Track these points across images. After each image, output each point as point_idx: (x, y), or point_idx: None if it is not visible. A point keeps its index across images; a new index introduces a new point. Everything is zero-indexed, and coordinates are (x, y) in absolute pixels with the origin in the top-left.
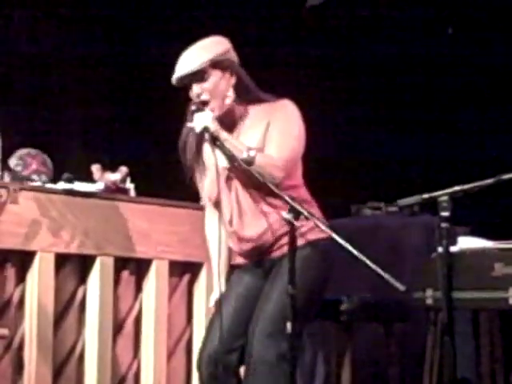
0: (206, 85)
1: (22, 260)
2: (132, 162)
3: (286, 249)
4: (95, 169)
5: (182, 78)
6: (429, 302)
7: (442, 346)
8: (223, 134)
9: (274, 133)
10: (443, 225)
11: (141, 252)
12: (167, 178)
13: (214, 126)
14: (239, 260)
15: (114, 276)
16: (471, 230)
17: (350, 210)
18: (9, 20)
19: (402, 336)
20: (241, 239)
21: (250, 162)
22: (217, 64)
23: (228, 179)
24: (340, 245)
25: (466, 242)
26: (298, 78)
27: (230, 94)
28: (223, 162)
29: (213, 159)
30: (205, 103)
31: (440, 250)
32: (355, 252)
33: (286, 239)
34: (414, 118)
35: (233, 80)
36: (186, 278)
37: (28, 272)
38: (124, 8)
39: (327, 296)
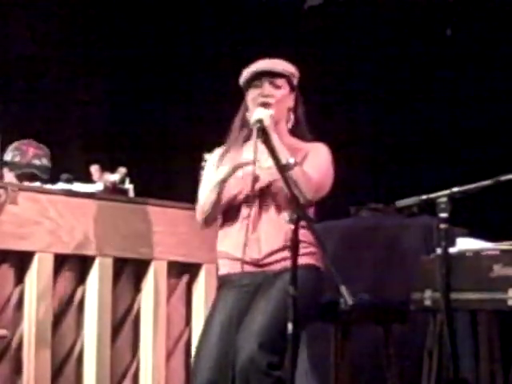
0: (277, 92)
1: (21, 260)
2: (131, 162)
3: (280, 265)
4: (94, 169)
5: (263, 73)
6: (427, 303)
7: (440, 346)
8: (274, 134)
9: (311, 159)
10: (442, 226)
11: (140, 253)
12: (166, 179)
13: (268, 122)
14: (229, 268)
15: (112, 277)
16: (470, 231)
17: (349, 211)
18: (9, 19)
19: (400, 336)
20: (248, 239)
21: (288, 168)
22: (291, 81)
23: (254, 181)
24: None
25: (465, 243)
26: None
27: (289, 115)
28: (261, 163)
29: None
30: (266, 105)
31: (439, 251)
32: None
33: (284, 254)
34: (413, 118)
35: (292, 104)
36: (185, 278)
37: (27, 272)
38: (123, 7)
39: (325, 297)
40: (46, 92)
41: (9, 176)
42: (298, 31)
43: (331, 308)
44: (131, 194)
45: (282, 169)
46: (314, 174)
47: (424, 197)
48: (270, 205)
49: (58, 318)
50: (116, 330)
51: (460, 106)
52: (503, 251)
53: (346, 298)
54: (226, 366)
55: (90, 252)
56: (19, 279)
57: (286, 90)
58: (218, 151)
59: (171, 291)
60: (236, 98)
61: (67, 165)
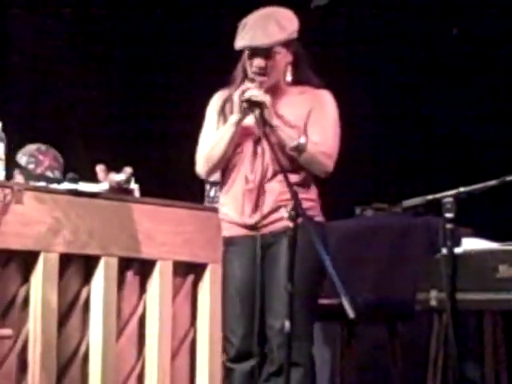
0: (270, 62)
1: (26, 260)
2: (136, 162)
3: (276, 226)
4: (99, 169)
5: (248, 47)
6: (433, 303)
7: (445, 346)
8: (275, 121)
9: (319, 121)
10: (447, 226)
11: (145, 252)
12: (171, 179)
13: (268, 113)
14: (234, 231)
15: (118, 276)
16: (475, 232)
17: (355, 210)
18: (13, 18)
19: (405, 337)
20: (251, 199)
21: (300, 149)
22: (286, 43)
23: (257, 141)
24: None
25: (471, 244)
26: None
27: (287, 76)
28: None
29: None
30: (261, 75)
31: (444, 251)
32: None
33: (280, 214)
34: (417, 119)
35: (290, 58)
36: (190, 278)
37: (32, 272)
38: (128, 6)
39: (330, 297)
40: (52, 91)
41: (18, 178)
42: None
43: (336, 308)
44: (137, 193)
45: (296, 152)
46: (326, 141)
47: (430, 197)
48: (273, 167)
49: (63, 318)
50: (121, 329)
51: (465, 105)
52: (509, 251)
53: (348, 311)
54: (254, 334)
55: (95, 252)
56: (24, 279)
57: (281, 52)
58: (220, 95)
59: (176, 291)
60: None
61: (73, 164)
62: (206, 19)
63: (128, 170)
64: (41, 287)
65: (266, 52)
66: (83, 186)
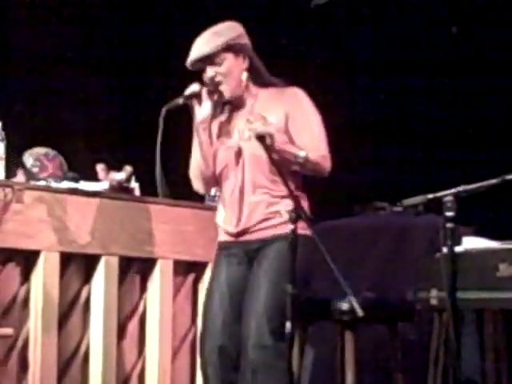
0: (220, 68)
1: (27, 259)
2: (137, 161)
3: (268, 233)
4: (100, 168)
5: (195, 62)
6: (433, 302)
7: (446, 346)
8: (278, 145)
9: (305, 124)
10: (448, 225)
11: (146, 251)
12: (172, 178)
13: (272, 141)
14: (222, 237)
15: (118, 275)
16: (476, 230)
17: (353, 209)
18: (15, 18)
19: (406, 336)
20: (234, 210)
21: (304, 163)
22: (230, 48)
23: (238, 154)
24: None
25: (471, 242)
26: (301, 76)
27: (244, 78)
28: (235, 139)
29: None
30: (217, 85)
31: (445, 250)
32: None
33: (271, 222)
34: (417, 117)
35: (245, 64)
36: (191, 277)
37: (33, 271)
38: (126, 8)
39: (329, 296)
40: (52, 90)
41: (20, 178)
42: (305, 30)
43: (335, 307)
44: (137, 192)
45: (300, 166)
46: (320, 144)
47: (430, 195)
48: (255, 176)
49: (63, 317)
50: (122, 328)
51: (465, 104)
52: (510, 250)
53: (357, 309)
54: (234, 332)
55: (95, 251)
56: (25, 278)
57: (229, 58)
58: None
59: (177, 290)
60: None
61: (73, 163)
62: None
63: (128, 168)
64: (41, 286)
65: (210, 60)
66: (84, 185)
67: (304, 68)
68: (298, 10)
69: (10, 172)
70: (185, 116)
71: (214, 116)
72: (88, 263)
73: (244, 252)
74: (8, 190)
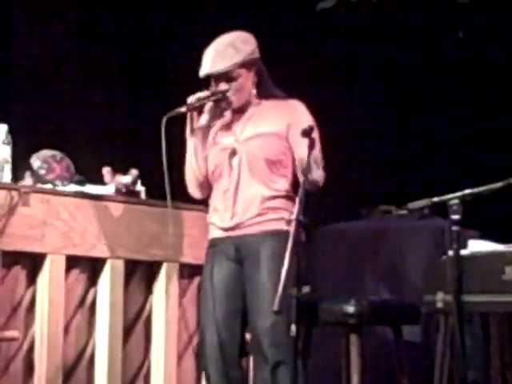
0: (234, 84)
1: (33, 262)
2: (142, 164)
3: (260, 228)
4: (106, 171)
5: (209, 75)
6: (439, 305)
7: (452, 349)
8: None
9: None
10: (453, 228)
11: (151, 255)
12: (177, 181)
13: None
14: (214, 233)
15: (124, 278)
16: (481, 234)
17: (360, 213)
18: (21, 20)
19: (412, 339)
20: (227, 208)
21: (310, 131)
22: (245, 64)
23: (232, 155)
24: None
25: (477, 246)
26: (308, 79)
27: (253, 91)
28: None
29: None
30: (228, 97)
31: (450, 253)
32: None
33: (265, 217)
34: (423, 122)
35: (256, 77)
36: (196, 280)
37: (39, 274)
38: (132, 11)
39: (335, 298)
40: (59, 93)
41: (28, 180)
42: (311, 33)
43: (342, 309)
44: (143, 195)
45: (306, 135)
46: (320, 161)
47: (435, 199)
48: (250, 176)
49: (69, 320)
50: (127, 331)
51: (470, 108)
52: None
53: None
54: (233, 329)
55: (101, 254)
56: (31, 281)
57: (242, 73)
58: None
59: (182, 293)
60: None
61: (79, 167)
62: (209, 22)
63: (134, 172)
64: (47, 289)
65: (226, 76)
66: (90, 188)
67: (310, 68)
68: (304, 14)
69: (18, 176)
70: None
71: (212, 122)
72: (94, 266)
73: (234, 247)
74: (14, 192)
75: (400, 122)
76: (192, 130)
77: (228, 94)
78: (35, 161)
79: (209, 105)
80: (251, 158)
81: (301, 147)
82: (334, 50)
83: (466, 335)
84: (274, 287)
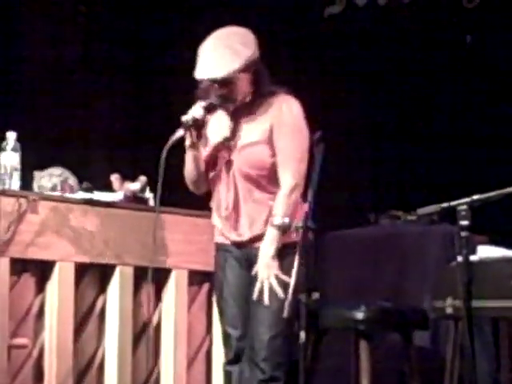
0: (231, 88)
1: (42, 269)
2: (151, 171)
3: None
4: (114, 178)
5: (206, 80)
6: (449, 310)
7: (461, 354)
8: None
9: (282, 145)
10: (463, 234)
11: (160, 261)
12: (186, 188)
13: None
14: (220, 239)
15: (133, 285)
16: (490, 239)
17: (369, 218)
18: (30, 26)
19: (422, 345)
20: (232, 225)
21: (285, 227)
22: (245, 68)
23: (228, 166)
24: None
25: (486, 251)
26: (316, 85)
27: (249, 92)
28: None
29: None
30: (225, 99)
31: (460, 258)
32: None
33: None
34: (430, 128)
35: (253, 76)
36: (206, 287)
37: (48, 282)
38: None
39: (344, 304)
40: (68, 100)
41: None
42: (318, 39)
43: (351, 315)
44: (151, 202)
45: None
46: (294, 175)
47: (444, 204)
48: (248, 188)
49: (79, 327)
50: (137, 338)
51: (477, 112)
52: None
53: None
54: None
55: (110, 261)
56: (40, 288)
57: (241, 77)
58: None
59: (192, 300)
60: None
61: (87, 174)
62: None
63: (143, 179)
64: (56, 296)
65: (224, 81)
66: (98, 195)
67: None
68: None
69: (26, 184)
70: None
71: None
72: (103, 273)
73: (244, 256)
74: (23, 200)
75: (411, 126)
76: (192, 144)
77: (227, 95)
78: (45, 177)
79: (203, 103)
80: (245, 171)
81: (278, 156)
82: (349, 54)
83: (476, 340)
84: (281, 297)
